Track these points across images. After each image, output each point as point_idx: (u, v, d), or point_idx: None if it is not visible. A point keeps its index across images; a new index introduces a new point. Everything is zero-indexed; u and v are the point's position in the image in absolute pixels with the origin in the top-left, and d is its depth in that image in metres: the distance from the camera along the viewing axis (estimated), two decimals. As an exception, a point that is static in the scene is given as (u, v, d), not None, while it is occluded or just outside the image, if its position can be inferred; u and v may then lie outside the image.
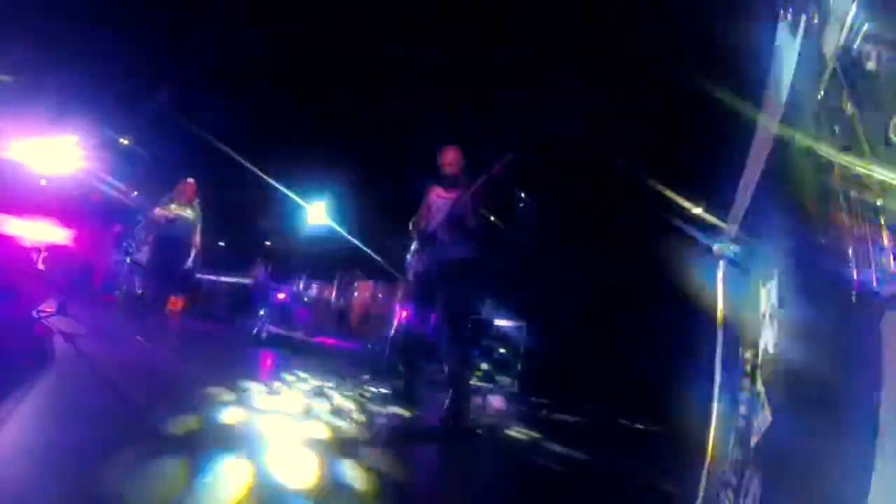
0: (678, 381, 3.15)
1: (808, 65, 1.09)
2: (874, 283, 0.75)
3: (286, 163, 6.27)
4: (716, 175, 2.44)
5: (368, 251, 4.70)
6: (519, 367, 5.83)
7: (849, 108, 0.85)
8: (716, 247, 1.93)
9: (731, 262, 1.87)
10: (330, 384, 4.00)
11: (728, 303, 1.97)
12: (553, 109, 4.69)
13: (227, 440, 1.88)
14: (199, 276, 7.33)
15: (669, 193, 3.88)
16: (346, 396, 3.55)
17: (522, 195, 5.28)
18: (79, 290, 5.66)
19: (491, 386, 5.69)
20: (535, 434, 3.52)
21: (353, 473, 1.82)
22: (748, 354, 1.49)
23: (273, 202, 6.94)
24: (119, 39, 4.88)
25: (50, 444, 1.52)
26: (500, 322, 6.05)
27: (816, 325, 0.96)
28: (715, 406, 1.97)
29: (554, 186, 5.18)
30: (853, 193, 0.81)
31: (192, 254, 5.39)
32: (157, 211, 5.30)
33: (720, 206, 2.36)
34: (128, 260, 5.87)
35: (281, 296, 8.18)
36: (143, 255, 5.82)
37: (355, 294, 8.08)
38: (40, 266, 4.48)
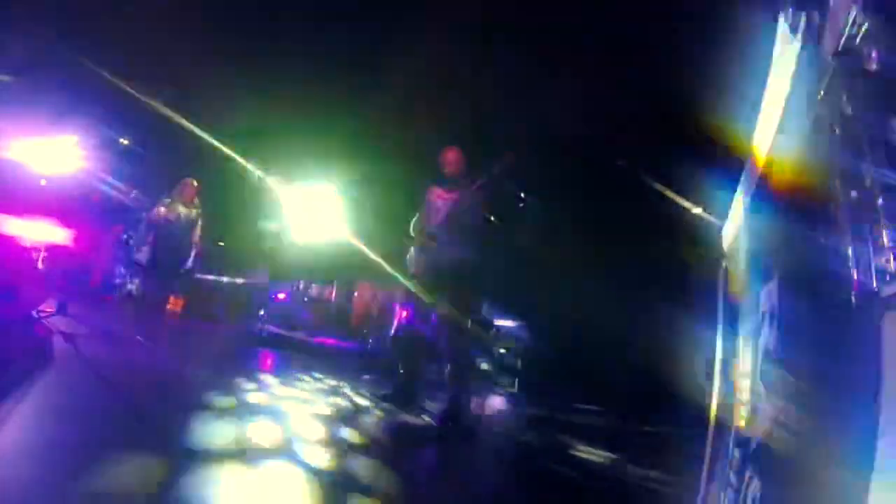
0: (678, 381, 3.15)
1: (808, 65, 1.09)
2: (874, 283, 0.75)
3: (286, 160, 6.27)
4: (715, 175, 2.44)
5: (369, 251, 4.70)
6: (519, 367, 5.83)
7: (849, 108, 0.85)
8: (716, 247, 1.93)
9: (731, 262, 1.87)
10: (330, 384, 4.00)
11: (728, 302, 1.97)
12: (553, 109, 4.69)
13: (228, 440, 1.88)
14: (199, 276, 7.33)
15: (669, 193, 3.88)
16: (347, 396, 3.55)
17: (522, 195, 5.27)
18: (79, 290, 5.67)
19: (491, 386, 5.69)
20: (535, 434, 3.52)
21: (353, 473, 1.82)
22: (748, 354, 1.50)
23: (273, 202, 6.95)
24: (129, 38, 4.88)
25: (50, 443, 1.52)
26: (500, 322, 6.05)
27: (816, 325, 0.96)
28: (714, 406, 1.97)
29: (554, 187, 5.18)
30: (853, 193, 0.81)
31: (192, 254, 5.39)
32: (158, 210, 5.29)
33: (720, 205, 2.37)
34: (134, 260, 5.87)
35: (281, 296, 8.18)
36: (143, 255, 5.81)
37: (355, 294, 8.07)
38: (40, 266, 4.48)
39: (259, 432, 2.13)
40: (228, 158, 5.62)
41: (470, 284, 3.34)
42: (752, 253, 1.63)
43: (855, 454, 0.71)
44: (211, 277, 8.39)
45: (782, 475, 1.05)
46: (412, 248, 3.67)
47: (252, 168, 6.05)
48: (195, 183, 5.47)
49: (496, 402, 4.99)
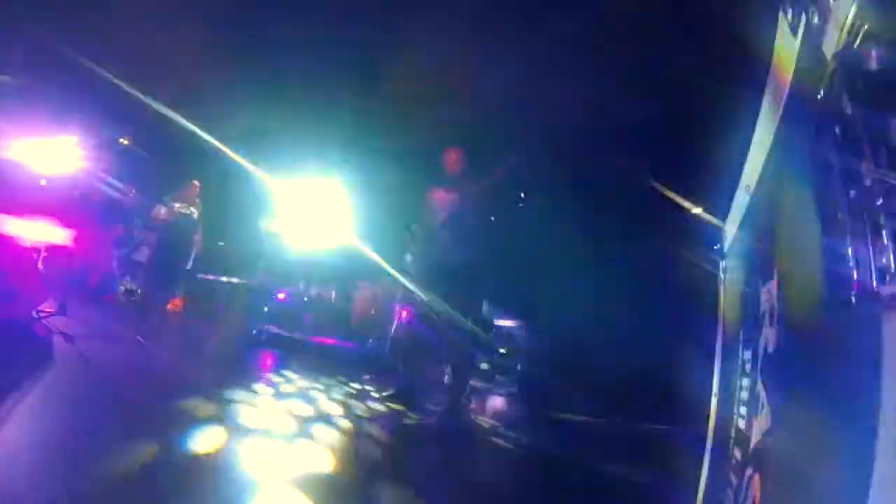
0: (678, 381, 3.15)
1: (808, 65, 1.09)
2: (874, 283, 0.75)
3: (286, 160, 6.27)
4: (715, 175, 2.44)
5: (369, 251, 4.70)
6: (519, 367, 5.83)
7: (849, 108, 0.85)
8: (715, 247, 1.93)
9: (731, 262, 1.87)
10: (330, 384, 4.00)
11: (728, 302, 1.97)
12: (554, 110, 4.69)
13: (228, 440, 1.88)
14: (199, 276, 7.32)
15: (670, 193, 3.88)
16: (347, 396, 3.54)
17: (523, 196, 5.27)
18: (79, 290, 5.66)
19: (491, 386, 5.68)
20: (534, 434, 3.52)
21: (353, 472, 1.82)
22: (748, 355, 1.49)
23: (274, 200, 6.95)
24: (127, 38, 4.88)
25: (50, 443, 1.53)
26: (500, 322, 6.04)
27: (816, 325, 0.96)
28: (714, 405, 1.97)
29: (554, 187, 5.17)
30: (853, 193, 0.81)
31: (193, 254, 5.39)
32: (159, 210, 5.30)
33: (720, 206, 2.36)
34: (134, 260, 5.88)
35: (281, 296, 8.17)
36: (144, 255, 5.82)
37: (355, 294, 8.06)
38: (40, 266, 4.48)
39: (259, 432, 2.13)
40: (229, 158, 5.62)
41: (470, 284, 3.34)
42: (752, 253, 1.63)
43: (855, 454, 0.71)
44: (211, 277, 8.38)
45: (782, 475, 1.05)
46: (412, 249, 3.67)
47: (252, 168, 6.05)
48: (197, 184, 5.48)
49: (496, 402, 4.99)
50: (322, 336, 7.46)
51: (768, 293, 1.31)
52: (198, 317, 7.73)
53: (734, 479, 1.42)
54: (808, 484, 0.88)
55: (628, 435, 4.51)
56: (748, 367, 1.47)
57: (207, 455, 1.65)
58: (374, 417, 3.00)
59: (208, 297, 8.50)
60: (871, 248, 0.77)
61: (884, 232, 0.76)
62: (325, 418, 2.67)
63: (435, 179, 3.59)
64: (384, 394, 3.53)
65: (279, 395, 3.12)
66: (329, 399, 3.33)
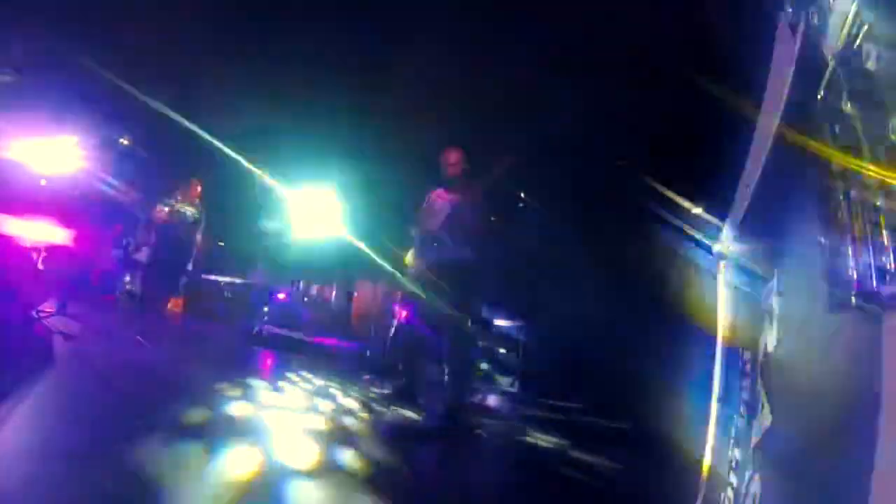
0: (678, 381, 3.15)
1: (808, 64, 1.09)
2: (874, 283, 0.75)
3: (287, 159, 6.27)
4: (715, 175, 2.44)
5: (369, 251, 4.70)
6: (518, 367, 5.83)
7: (849, 108, 0.85)
8: (715, 247, 1.93)
9: (731, 263, 1.87)
10: (330, 384, 4.00)
11: (728, 303, 1.97)
12: (554, 110, 4.69)
13: (228, 440, 1.88)
14: (199, 275, 7.32)
15: (669, 194, 3.88)
16: (347, 396, 3.55)
17: (523, 196, 5.27)
18: (79, 290, 5.66)
19: (491, 386, 5.69)
20: (534, 434, 3.52)
21: (353, 472, 1.82)
22: (748, 355, 1.50)
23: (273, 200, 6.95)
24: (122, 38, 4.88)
25: (50, 443, 1.52)
26: (500, 322, 6.05)
27: (816, 325, 0.96)
28: (714, 406, 1.97)
29: (554, 188, 5.17)
30: (853, 193, 0.81)
31: (193, 253, 5.39)
32: (160, 210, 5.29)
33: (720, 206, 2.36)
34: (134, 260, 5.87)
35: (281, 296, 8.17)
36: (144, 255, 5.81)
37: (355, 294, 8.07)
38: (40, 266, 4.48)
39: (260, 432, 2.13)
40: (229, 158, 5.62)
41: (470, 285, 3.34)
42: (752, 253, 1.64)
43: (855, 454, 0.71)
44: (211, 277, 8.39)
45: (782, 475, 1.05)
46: (412, 249, 3.67)
47: (253, 168, 6.05)
48: (198, 183, 5.47)
49: (496, 402, 4.99)
50: (322, 336, 7.47)
51: (768, 293, 1.32)
52: (198, 317, 7.74)
53: (734, 479, 1.42)
54: (808, 484, 0.88)
55: (628, 435, 4.51)
56: (748, 367, 1.47)
57: (207, 455, 1.65)
58: (374, 417, 3.00)
59: (208, 297, 8.51)
60: (871, 248, 0.77)
61: (884, 232, 0.76)
62: (325, 418, 2.67)
63: (435, 179, 3.60)
64: (384, 393, 3.53)
65: (279, 395, 3.12)
66: (329, 399, 3.33)
